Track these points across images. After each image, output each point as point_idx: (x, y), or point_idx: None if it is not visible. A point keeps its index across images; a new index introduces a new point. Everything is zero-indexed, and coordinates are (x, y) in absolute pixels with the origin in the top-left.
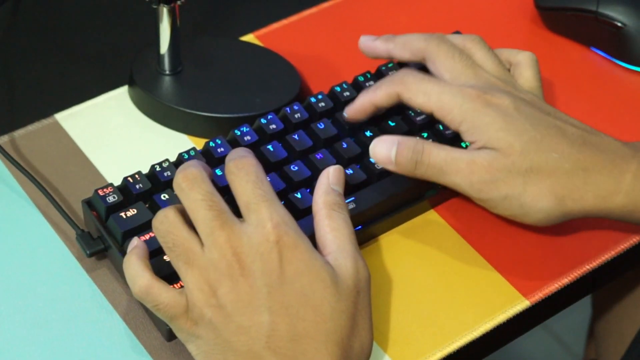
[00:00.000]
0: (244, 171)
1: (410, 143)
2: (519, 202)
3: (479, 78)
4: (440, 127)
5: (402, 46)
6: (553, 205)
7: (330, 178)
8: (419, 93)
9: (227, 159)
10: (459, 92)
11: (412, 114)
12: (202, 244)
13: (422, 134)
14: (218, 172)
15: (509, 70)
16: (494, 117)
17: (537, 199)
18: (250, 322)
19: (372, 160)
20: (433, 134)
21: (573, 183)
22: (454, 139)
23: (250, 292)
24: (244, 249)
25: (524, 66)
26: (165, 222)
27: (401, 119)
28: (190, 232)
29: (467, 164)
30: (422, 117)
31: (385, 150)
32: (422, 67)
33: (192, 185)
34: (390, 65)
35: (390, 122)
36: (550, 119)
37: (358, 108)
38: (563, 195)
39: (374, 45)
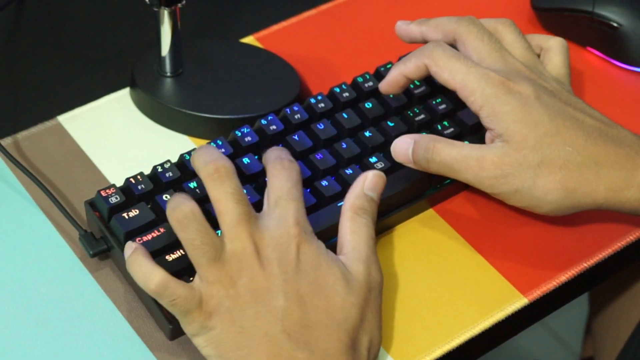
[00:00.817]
0: (288, 171)
1: (423, 142)
2: (529, 194)
3: (505, 62)
4: (439, 127)
5: (435, 28)
6: (563, 197)
7: (367, 182)
8: (445, 69)
9: (273, 154)
10: (483, 76)
11: (411, 115)
12: (220, 238)
13: (425, 134)
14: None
15: (539, 55)
16: (513, 106)
17: (547, 192)
18: (267, 307)
19: (371, 159)
20: (432, 133)
21: (584, 176)
22: (454, 139)
23: (268, 280)
24: (264, 242)
25: (554, 52)
26: (193, 219)
27: (400, 119)
28: (212, 229)
29: (477, 161)
30: (421, 117)
31: (403, 148)
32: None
33: (224, 178)
34: (389, 65)
35: (389, 122)
36: (569, 109)
37: (391, 80)
38: (574, 188)
39: (408, 28)
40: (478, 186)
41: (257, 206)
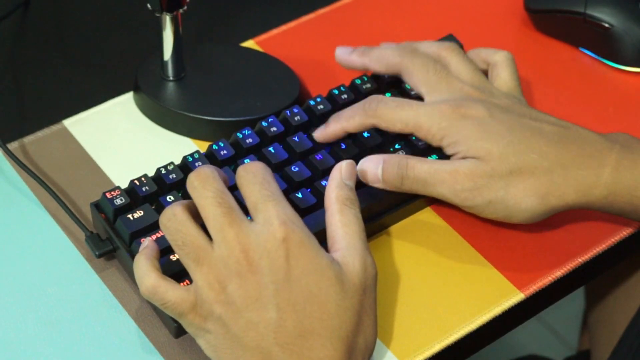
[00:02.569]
0: (251, 174)
1: (394, 160)
2: (503, 205)
3: (454, 90)
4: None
5: (377, 60)
6: (536, 203)
7: (343, 172)
8: (395, 122)
9: (239, 166)
10: (434, 111)
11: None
12: (210, 241)
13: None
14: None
15: (486, 70)
16: (470, 129)
17: (520, 200)
18: (259, 318)
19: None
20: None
21: (553, 180)
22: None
23: (258, 289)
24: (251, 246)
25: (500, 66)
26: (174, 220)
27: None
28: (199, 229)
29: (450, 174)
30: None
31: (372, 169)
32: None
33: (203, 183)
34: None
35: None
36: (525, 120)
37: (329, 133)
38: (545, 193)
39: (350, 58)
40: (452, 200)
41: None
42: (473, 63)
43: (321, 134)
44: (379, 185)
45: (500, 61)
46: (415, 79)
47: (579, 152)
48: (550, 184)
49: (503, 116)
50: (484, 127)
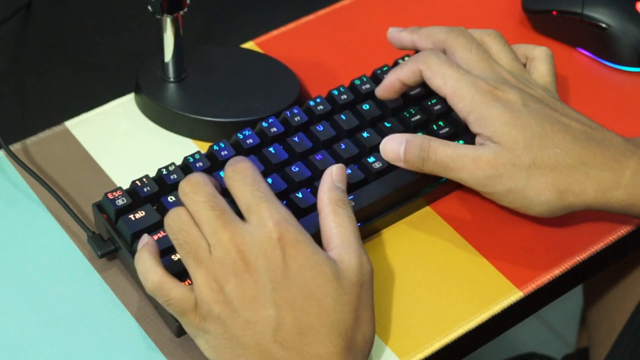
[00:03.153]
0: (240, 175)
1: (417, 141)
2: (522, 195)
3: (493, 71)
4: (434, 128)
5: (426, 37)
6: (555, 198)
7: (334, 176)
8: (438, 75)
9: (225, 166)
10: (472, 83)
11: (407, 115)
12: (209, 243)
13: (418, 134)
14: (222, 174)
15: (525, 64)
16: (501, 111)
17: (539, 193)
18: (257, 316)
19: (369, 159)
20: (428, 134)
21: (574, 177)
22: (449, 139)
23: (256, 288)
24: (247, 246)
25: (539, 60)
26: (177, 220)
27: (397, 119)
28: (200, 231)
29: (472, 160)
30: (417, 117)
31: (395, 148)
32: None
33: (195, 189)
34: (385, 68)
35: (386, 124)
36: (556, 115)
37: (387, 85)
38: (564, 189)
39: (400, 36)
40: (472, 185)
41: None
42: (513, 52)
43: (380, 88)
44: (400, 164)
45: (539, 55)
46: (457, 57)
47: (602, 153)
48: (570, 181)
49: (535, 106)
50: (514, 114)
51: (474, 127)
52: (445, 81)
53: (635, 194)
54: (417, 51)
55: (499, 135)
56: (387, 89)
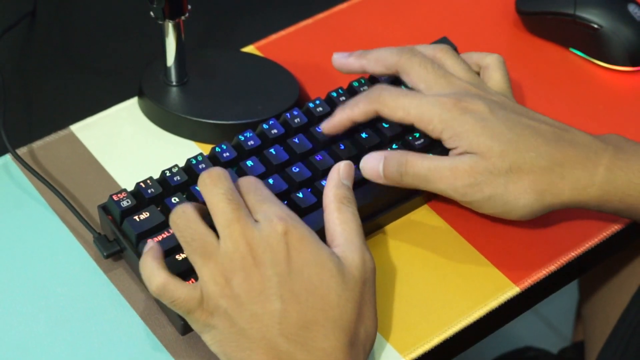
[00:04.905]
0: (244, 187)
1: (395, 156)
2: (502, 200)
3: (453, 85)
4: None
5: (375, 61)
6: (534, 200)
7: (341, 172)
8: (397, 109)
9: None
10: (436, 102)
11: (386, 126)
12: (217, 238)
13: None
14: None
15: (478, 73)
16: (472, 123)
17: (519, 197)
18: (263, 309)
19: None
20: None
21: (551, 179)
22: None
23: (262, 282)
24: (255, 241)
25: (492, 69)
26: (183, 217)
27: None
28: (206, 227)
29: (450, 171)
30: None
31: (374, 165)
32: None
33: (215, 181)
34: None
35: (384, 124)
36: (524, 119)
37: (335, 124)
38: (543, 190)
39: (347, 62)
40: (452, 195)
41: None
42: (467, 64)
43: (327, 124)
44: (380, 181)
45: (492, 63)
46: (414, 77)
47: (575, 153)
48: (547, 182)
49: (502, 113)
50: (485, 123)
51: (448, 144)
52: (407, 111)
53: (608, 191)
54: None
55: (474, 146)
56: (335, 127)
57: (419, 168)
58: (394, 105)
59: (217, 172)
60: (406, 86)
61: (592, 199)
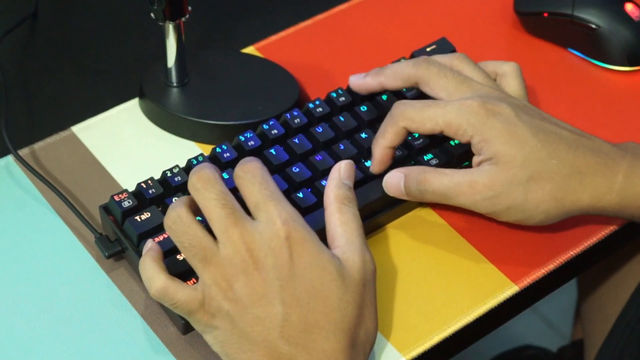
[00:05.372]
0: (250, 174)
1: (413, 175)
2: (521, 209)
3: (474, 89)
4: (409, 139)
5: (393, 76)
6: (553, 207)
7: (342, 172)
8: (424, 122)
9: (236, 167)
10: (462, 107)
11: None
12: (215, 240)
13: (414, 134)
14: (225, 175)
15: (494, 80)
16: (500, 129)
17: (537, 205)
18: (265, 313)
19: (367, 164)
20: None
21: (570, 186)
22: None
23: (264, 285)
24: (256, 244)
25: (509, 76)
26: (179, 223)
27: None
28: (204, 230)
29: (469, 186)
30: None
31: (396, 184)
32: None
33: (206, 186)
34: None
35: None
36: (547, 124)
37: (379, 158)
38: (562, 198)
39: (365, 82)
40: (472, 208)
41: None
42: (484, 71)
43: (375, 165)
44: (405, 197)
45: (508, 71)
46: (434, 87)
47: (594, 160)
48: (567, 189)
49: (527, 118)
50: (511, 128)
51: (476, 149)
52: (435, 122)
53: (627, 198)
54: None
55: (499, 156)
56: (381, 162)
57: (437, 186)
58: (420, 119)
59: (207, 174)
60: (425, 96)
61: (610, 205)
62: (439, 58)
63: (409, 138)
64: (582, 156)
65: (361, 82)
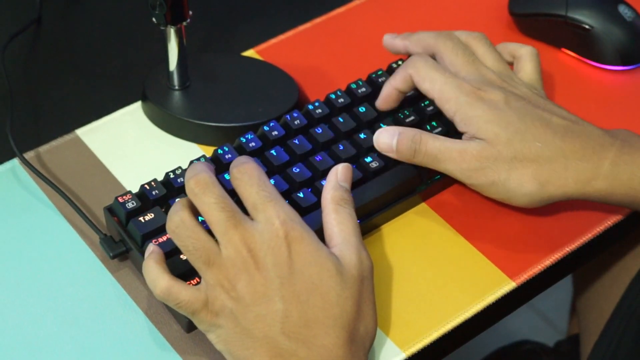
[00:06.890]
0: (247, 175)
1: (409, 133)
2: (504, 187)
3: (479, 73)
4: (400, 116)
5: (416, 43)
6: (536, 189)
7: (339, 175)
8: (426, 79)
9: (231, 166)
10: (458, 85)
11: (402, 116)
12: (217, 242)
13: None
14: (227, 176)
15: (511, 63)
16: (484, 110)
17: (521, 184)
18: (266, 310)
19: (367, 159)
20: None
21: (554, 169)
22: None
23: (265, 284)
24: (256, 245)
25: (525, 59)
26: (182, 227)
27: (392, 120)
28: (207, 234)
29: (459, 153)
30: (411, 119)
31: (387, 139)
32: None
33: (204, 190)
34: (379, 72)
35: (382, 125)
36: (538, 111)
37: (385, 96)
38: (545, 181)
39: (394, 42)
40: (458, 176)
41: None
42: (498, 53)
43: (379, 101)
44: (392, 155)
45: (525, 54)
46: (446, 60)
47: (581, 145)
48: (551, 173)
49: (517, 104)
50: (497, 111)
51: (459, 126)
52: (432, 85)
53: (613, 184)
54: (409, 56)
55: (482, 132)
56: (385, 99)
57: (431, 147)
58: (424, 74)
59: (204, 178)
60: None
61: (596, 191)
62: (460, 34)
63: (422, 104)
64: (569, 141)
65: (391, 41)
